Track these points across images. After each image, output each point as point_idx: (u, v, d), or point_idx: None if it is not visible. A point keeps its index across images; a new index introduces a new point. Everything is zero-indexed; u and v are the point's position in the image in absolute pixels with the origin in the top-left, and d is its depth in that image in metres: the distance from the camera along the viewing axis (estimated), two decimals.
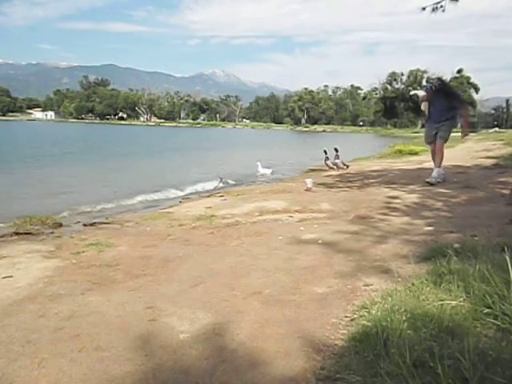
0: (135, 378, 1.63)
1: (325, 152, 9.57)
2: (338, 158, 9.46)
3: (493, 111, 69.38)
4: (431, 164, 9.64)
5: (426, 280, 2.16)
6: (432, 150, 6.71)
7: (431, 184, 6.17)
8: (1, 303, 2.34)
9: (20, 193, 8.00)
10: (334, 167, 9.37)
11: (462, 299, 1.87)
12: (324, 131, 78.48)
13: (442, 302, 1.84)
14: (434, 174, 6.42)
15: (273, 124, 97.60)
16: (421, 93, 6.67)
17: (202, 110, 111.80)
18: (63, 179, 10.15)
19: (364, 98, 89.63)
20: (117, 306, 2.26)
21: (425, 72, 76.43)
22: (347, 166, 9.52)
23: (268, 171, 9.60)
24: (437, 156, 6.52)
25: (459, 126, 7.40)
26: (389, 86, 78.31)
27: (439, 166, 6.49)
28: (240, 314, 2.13)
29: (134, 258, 3.18)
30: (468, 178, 7.17)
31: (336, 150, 9.43)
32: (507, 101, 65.43)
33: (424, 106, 6.62)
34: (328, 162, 9.49)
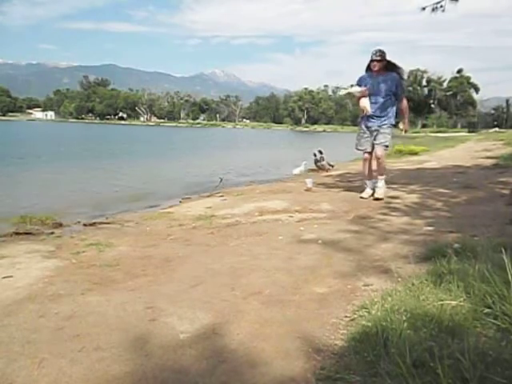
0: (135, 377, 1.63)
1: (314, 154, 9.87)
2: (323, 160, 9.83)
3: (493, 111, 69.38)
4: (430, 164, 9.54)
5: (426, 280, 2.16)
6: (367, 158, 5.47)
7: (380, 199, 5.17)
8: (1, 303, 2.34)
9: (20, 192, 8.00)
10: (325, 168, 9.66)
11: (462, 299, 1.87)
12: (324, 131, 78.43)
13: (442, 302, 1.85)
14: (382, 188, 5.32)
15: (273, 124, 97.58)
16: (357, 89, 5.28)
17: (202, 110, 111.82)
18: (64, 179, 10.14)
19: None
20: (117, 306, 2.26)
21: (425, 72, 76.48)
22: (332, 166, 9.85)
23: (298, 170, 9.69)
24: (381, 165, 5.36)
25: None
26: None
27: (382, 174, 5.41)
28: (240, 314, 2.13)
29: (134, 258, 3.18)
30: (468, 178, 7.18)
31: (320, 152, 9.85)
32: (507, 101, 65.43)
33: (365, 102, 5.23)
34: (319, 164, 9.77)
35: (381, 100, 5.15)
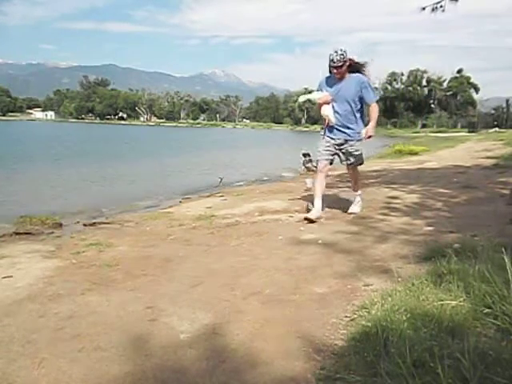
0: (135, 377, 1.63)
1: (307, 155, 9.81)
2: (307, 162, 9.81)
3: (493, 111, 69.33)
4: (430, 164, 9.45)
5: (426, 280, 2.16)
6: (322, 170, 4.46)
7: (354, 213, 4.49)
8: (1, 303, 2.34)
9: (21, 193, 8.00)
10: (311, 169, 9.64)
11: (462, 299, 1.87)
12: None
13: (442, 302, 1.85)
14: (357, 204, 4.66)
15: (273, 124, 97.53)
16: (317, 95, 4.48)
17: (202, 109, 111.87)
18: (65, 179, 10.15)
19: None
20: (117, 306, 2.26)
21: (425, 72, 76.49)
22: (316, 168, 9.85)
23: (303, 168, 9.76)
24: (357, 182, 4.68)
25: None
26: (389, 86, 78.33)
27: (357, 190, 4.69)
28: (240, 314, 2.13)
29: (134, 258, 3.18)
30: (468, 177, 7.18)
31: (306, 155, 9.82)
32: (507, 101, 65.34)
33: (327, 110, 4.38)
34: (308, 165, 9.72)
35: (345, 108, 4.32)
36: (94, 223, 4.71)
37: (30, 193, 8.03)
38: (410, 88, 74.58)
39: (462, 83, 72.64)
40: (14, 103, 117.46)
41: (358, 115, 4.39)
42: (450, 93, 73.45)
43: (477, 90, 73.65)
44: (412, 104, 73.94)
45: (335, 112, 4.37)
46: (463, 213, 4.34)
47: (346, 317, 2.03)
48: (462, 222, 3.90)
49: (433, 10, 8.34)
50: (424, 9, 8.46)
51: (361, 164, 4.59)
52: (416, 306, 1.85)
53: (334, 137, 4.41)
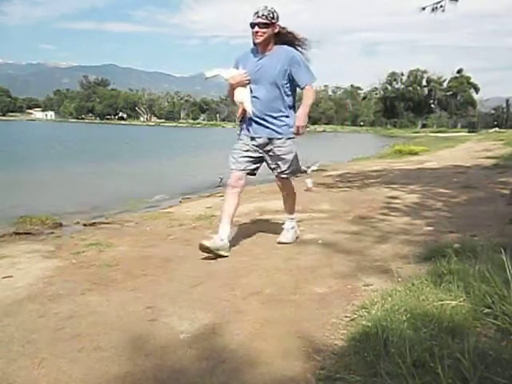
0: (135, 377, 1.63)
1: None
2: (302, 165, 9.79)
3: (493, 111, 69.37)
4: (430, 164, 9.46)
5: (426, 280, 2.16)
6: (236, 184, 3.25)
7: (285, 243, 3.37)
8: (1, 303, 2.34)
9: (20, 192, 8.00)
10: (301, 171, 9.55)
11: (462, 299, 1.88)
12: (324, 131, 78.31)
13: (442, 302, 1.85)
14: (290, 231, 3.44)
15: None
16: (230, 72, 3.17)
17: (202, 109, 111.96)
18: (65, 179, 10.14)
19: (364, 98, 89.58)
20: (117, 306, 2.26)
21: (425, 72, 76.54)
22: (305, 171, 9.78)
23: (309, 170, 9.81)
24: (289, 198, 3.41)
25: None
26: (389, 86, 78.40)
27: (292, 212, 3.46)
28: (240, 314, 2.13)
29: (134, 258, 3.18)
30: (468, 177, 7.19)
31: None
32: (507, 101, 65.36)
33: (242, 95, 3.14)
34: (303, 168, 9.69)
35: (269, 92, 3.09)
36: (94, 223, 4.71)
37: (30, 193, 8.02)
38: (410, 88, 74.64)
39: (462, 83, 72.71)
40: (14, 103, 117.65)
41: (287, 103, 3.16)
42: (450, 93, 73.51)
43: (477, 90, 73.72)
44: (412, 104, 73.99)
45: (254, 98, 3.13)
46: (463, 213, 4.34)
47: (346, 317, 2.03)
48: (462, 222, 3.90)
49: (433, 9, 8.36)
50: (424, 9, 8.48)
51: (296, 173, 3.36)
52: (416, 305, 1.85)
53: (253, 135, 3.19)
